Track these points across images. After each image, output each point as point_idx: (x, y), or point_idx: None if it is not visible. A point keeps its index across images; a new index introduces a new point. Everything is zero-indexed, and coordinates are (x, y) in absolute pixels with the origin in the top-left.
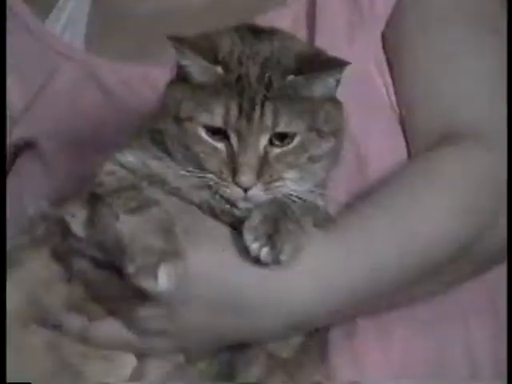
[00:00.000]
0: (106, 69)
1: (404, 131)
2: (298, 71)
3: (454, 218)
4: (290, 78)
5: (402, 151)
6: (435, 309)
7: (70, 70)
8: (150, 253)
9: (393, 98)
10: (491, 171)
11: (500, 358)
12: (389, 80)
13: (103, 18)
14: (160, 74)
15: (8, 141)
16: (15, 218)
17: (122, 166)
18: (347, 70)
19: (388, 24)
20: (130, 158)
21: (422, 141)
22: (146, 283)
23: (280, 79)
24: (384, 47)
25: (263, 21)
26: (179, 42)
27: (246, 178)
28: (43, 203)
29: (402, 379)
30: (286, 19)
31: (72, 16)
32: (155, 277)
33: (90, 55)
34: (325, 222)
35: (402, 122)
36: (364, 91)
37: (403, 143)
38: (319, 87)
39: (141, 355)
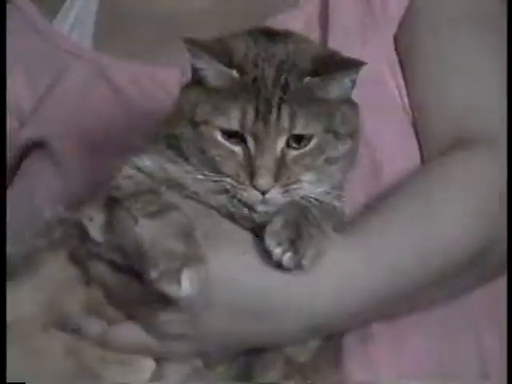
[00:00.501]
0: (115, 67)
1: (417, 134)
2: (315, 73)
3: (470, 221)
4: (307, 79)
5: (415, 154)
6: (448, 314)
7: (80, 68)
8: (172, 257)
9: (405, 100)
10: (503, 175)
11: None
12: (401, 82)
13: (111, 18)
14: (168, 74)
15: (15, 141)
16: (27, 217)
17: (140, 170)
18: (361, 71)
19: (400, 26)
20: (147, 162)
21: (436, 144)
22: (169, 288)
23: (296, 81)
24: (396, 49)
25: (275, 23)
26: (194, 44)
27: (263, 180)
28: (59, 207)
29: (414, 381)
30: (298, 21)
31: (80, 15)
32: (178, 282)
33: (98, 54)
34: (344, 225)
35: (415, 125)
36: (377, 93)
37: (416, 146)
38: (335, 88)
39: (160, 359)
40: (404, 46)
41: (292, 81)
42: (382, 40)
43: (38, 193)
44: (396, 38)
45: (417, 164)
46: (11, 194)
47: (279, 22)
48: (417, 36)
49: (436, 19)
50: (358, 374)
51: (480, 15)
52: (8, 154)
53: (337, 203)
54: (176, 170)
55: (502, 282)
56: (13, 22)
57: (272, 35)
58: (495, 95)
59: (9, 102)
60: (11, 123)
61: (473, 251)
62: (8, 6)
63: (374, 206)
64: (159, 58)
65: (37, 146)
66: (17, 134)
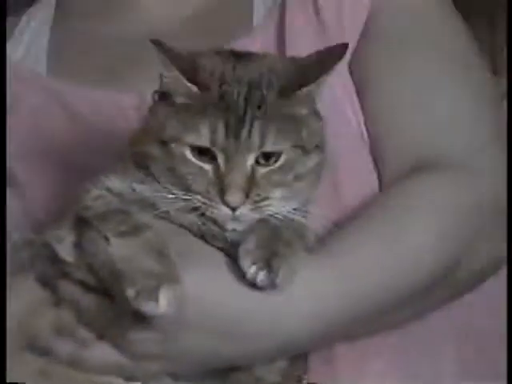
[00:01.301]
0: (71, 94)
1: (374, 160)
2: (297, 86)
3: (435, 243)
4: (288, 95)
5: (372, 178)
6: (409, 336)
7: (35, 96)
8: (148, 276)
9: (362, 127)
10: (466, 200)
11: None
12: (358, 109)
13: (65, 44)
14: (127, 100)
15: None
16: None
17: (109, 190)
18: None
19: (355, 54)
20: (115, 182)
21: (395, 169)
22: (145, 306)
23: (273, 98)
24: (352, 77)
25: (235, 47)
26: (161, 48)
27: (233, 197)
28: (25, 229)
29: None
30: (255, 45)
31: (32, 42)
32: (156, 300)
33: (53, 80)
34: (313, 244)
35: (372, 151)
36: (335, 120)
37: (373, 170)
38: (311, 99)
39: (131, 379)
40: (359, 75)
41: (270, 97)
42: (338, 68)
43: None
44: (351, 67)
45: (374, 187)
46: None
47: (239, 46)
48: (373, 65)
49: (391, 46)
50: None
51: (443, 44)
52: None
53: (304, 221)
54: (145, 189)
55: (466, 304)
56: None
57: (239, 55)
58: (458, 121)
59: None
60: None
61: (437, 272)
62: None
63: (343, 227)
64: (117, 83)
65: None
66: None
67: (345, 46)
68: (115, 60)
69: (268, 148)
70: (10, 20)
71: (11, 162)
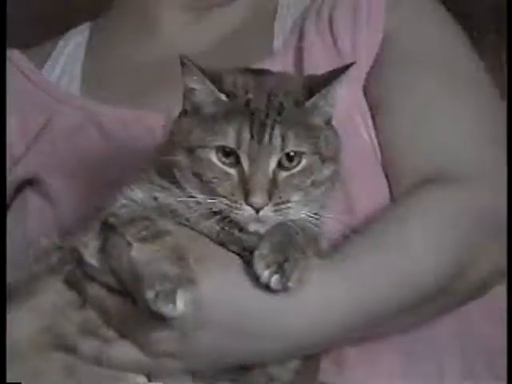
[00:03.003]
0: (102, 112)
1: (385, 173)
2: (309, 95)
3: (440, 253)
4: (307, 103)
5: (384, 191)
6: (415, 338)
7: (69, 113)
8: (166, 279)
9: (375, 142)
10: (470, 213)
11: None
12: (371, 126)
13: (98, 66)
14: (154, 118)
15: (9, 179)
16: (20, 247)
17: (132, 200)
18: (336, 115)
19: (369, 76)
20: (139, 193)
21: (406, 182)
22: (164, 308)
23: (291, 105)
24: (366, 96)
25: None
26: (189, 61)
27: (257, 198)
28: (54, 235)
29: None
30: (275, 69)
31: (67, 64)
32: (173, 302)
33: (86, 100)
34: (324, 250)
35: (384, 165)
36: (348, 135)
37: (385, 183)
38: (323, 109)
39: (151, 375)
40: (374, 95)
41: (287, 105)
42: (352, 88)
43: (30, 225)
44: (366, 87)
45: (386, 200)
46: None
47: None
48: (386, 86)
49: (403, 70)
50: None
51: (448, 64)
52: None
53: (317, 228)
54: (167, 197)
55: (469, 312)
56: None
57: (258, 71)
58: (461, 137)
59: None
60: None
61: (439, 282)
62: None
63: (352, 236)
64: (146, 102)
65: (29, 183)
66: (10, 173)
67: (351, 64)
68: (143, 82)
69: (289, 149)
70: (47, 44)
71: (40, 169)
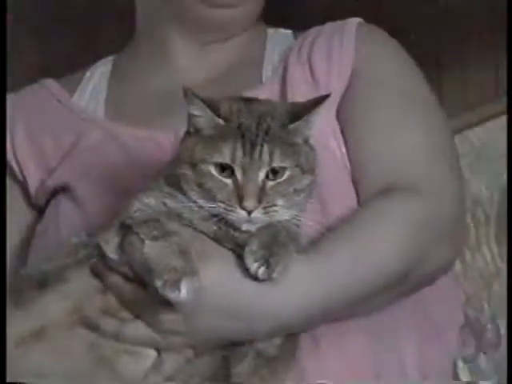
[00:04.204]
0: (122, 132)
1: (353, 182)
2: (292, 120)
3: (398, 248)
4: (290, 126)
5: (352, 196)
6: (379, 320)
7: (95, 133)
8: (173, 270)
9: (345, 158)
10: (425, 215)
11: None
12: (342, 145)
13: (119, 93)
14: (164, 137)
15: (44, 188)
16: (54, 244)
17: (146, 205)
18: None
19: (341, 101)
20: (151, 200)
21: (369, 191)
22: (170, 294)
23: (277, 127)
24: (338, 118)
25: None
26: (192, 93)
27: (249, 203)
28: (83, 234)
29: None
30: (263, 96)
31: (94, 91)
32: (178, 289)
33: (109, 122)
34: (302, 246)
35: (352, 176)
36: (323, 153)
37: (352, 190)
38: (305, 130)
39: (160, 350)
40: (343, 115)
41: (273, 127)
42: (326, 112)
43: (62, 226)
44: (338, 110)
45: (355, 204)
46: (41, 226)
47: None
48: (353, 112)
49: (368, 95)
50: (310, 368)
51: (405, 90)
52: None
53: (297, 228)
54: (174, 203)
55: (422, 296)
56: (40, 96)
57: (248, 99)
58: (417, 155)
59: (38, 158)
60: (41, 174)
61: (399, 272)
62: (36, 86)
63: (327, 233)
64: (158, 124)
65: (61, 190)
66: (45, 182)
67: (327, 96)
68: (156, 107)
69: (275, 164)
70: (76, 75)
71: (71, 178)
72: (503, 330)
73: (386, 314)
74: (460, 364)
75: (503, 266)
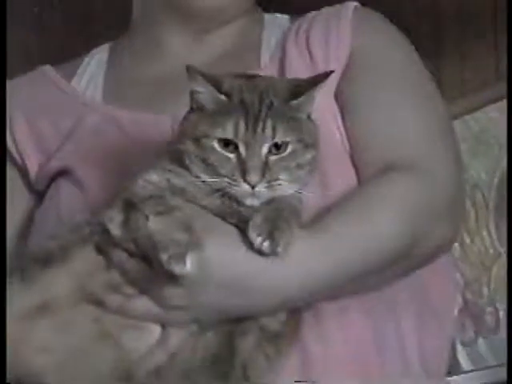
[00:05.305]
0: (121, 115)
1: (353, 161)
2: (294, 96)
3: (398, 225)
4: (292, 102)
5: (351, 175)
6: (379, 298)
7: (94, 116)
8: (178, 245)
9: (344, 138)
10: (423, 194)
11: (423, 343)
12: (341, 125)
13: (117, 78)
14: (162, 120)
15: (44, 171)
16: (53, 226)
17: (149, 182)
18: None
19: (339, 83)
20: (155, 176)
21: (368, 170)
22: (176, 268)
23: (280, 103)
24: (337, 102)
25: None
26: (195, 70)
27: (252, 177)
28: (85, 213)
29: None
30: None
31: (92, 77)
32: (184, 262)
33: (108, 106)
34: (304, 222)
35: (351, 156)
36: (322, 133)
37: (352, 170)
38: (307, 106)
39: (164, 325)
40: (342, 98)
41: (276, 102)
42: (325, 94)
43: (63, 209)
44: (336, 93)
45: (354, 181)
46: (42, 210)
47: None
48: (353, 89)
49: (366, 78)
50: (312, 344)
51: (403, 74)
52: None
53: (299, 204)
54: (177, 179)
55: (420, 273)
56: (39, 83)
57: (250, 76)
58: (414, 135)
59: (38, 143)
60: (40, 159)
61: (399, 249)
62: (34, 72)
63: (327, 211)
64: (155, 108)
65: (62, 173)
66: (45, 166)
67: (330, 72)
68: (154, 91)
69: (278, 138)
70: (75, 60)
71: (71, 162)
72: (502, 314)
73: (386, 296)
74: (459, 347)
75: (502, 250)
